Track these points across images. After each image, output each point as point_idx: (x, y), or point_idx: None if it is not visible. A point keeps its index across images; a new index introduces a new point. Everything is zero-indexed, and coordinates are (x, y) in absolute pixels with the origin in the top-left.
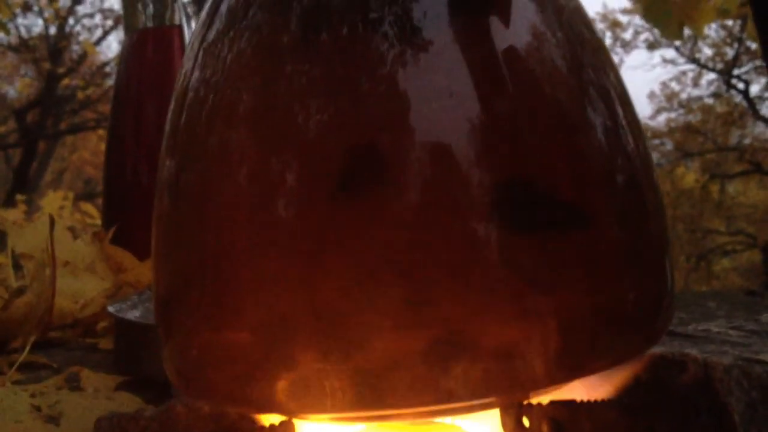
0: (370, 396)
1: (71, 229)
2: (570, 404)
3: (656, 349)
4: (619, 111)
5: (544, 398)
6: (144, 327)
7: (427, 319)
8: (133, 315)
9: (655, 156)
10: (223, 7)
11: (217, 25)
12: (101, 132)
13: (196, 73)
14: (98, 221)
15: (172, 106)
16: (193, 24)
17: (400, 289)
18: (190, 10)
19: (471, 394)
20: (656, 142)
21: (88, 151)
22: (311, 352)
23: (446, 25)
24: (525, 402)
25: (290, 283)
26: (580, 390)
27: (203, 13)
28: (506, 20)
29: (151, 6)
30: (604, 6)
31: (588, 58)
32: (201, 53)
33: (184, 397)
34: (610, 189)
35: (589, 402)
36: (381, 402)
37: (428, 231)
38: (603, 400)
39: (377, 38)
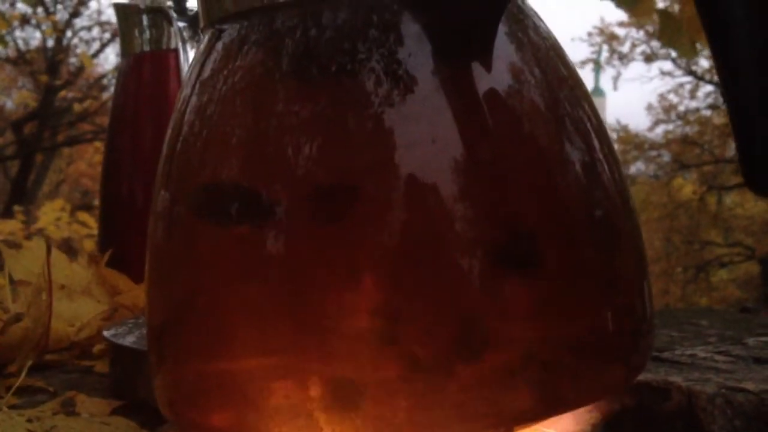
0: (358, 427)
1: (68, 239)
2: None
3: (641, 376)
4: (596, 144)
5: (527, 431)
6: (139, 353)
7: (409, 354)
8: (129, 340)
9: (652, 168)
10: (220, 44)
11: (213, 59)
12: (98, 144)
13: (192, 107)
14: (95, 231)
15: (168, 136)
16: (188, 47)
17: (384, 324)
18: (186, 34)
19: (454, 427)
20: (653, 153)
21: (85, 162)
22: (301, 384)
23: (430, 68)
24: None
25: (280, 316)
26: (568, 418)
27: (201, 46)
28: (488, 65)
29: (147, 31)
30: (602, 20)
31: (565, 94)
32: (197, 86)
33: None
34: (586, 221)
35: None
36: None
37: (410, 267)
38: None
39: (364, 80)
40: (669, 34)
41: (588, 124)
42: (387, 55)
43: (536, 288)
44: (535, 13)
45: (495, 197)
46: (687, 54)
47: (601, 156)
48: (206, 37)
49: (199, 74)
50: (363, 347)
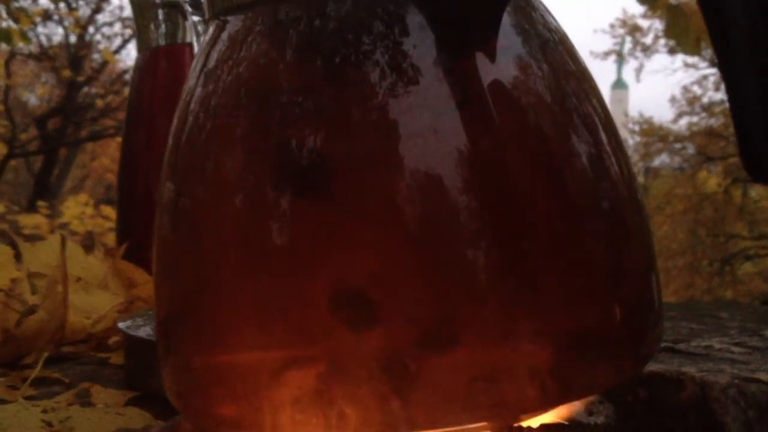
0: (366, 419)
1: (91, 233)
2: (559, 427)
3: (655, 367)
4: (603, 138)
5: (533, 421)
6: (153, 344)
7: (415, 345)
8: (144, 332)
9: (677, 160)
10: (225, 35)
11: (218, 49)
12: (120, 139)
13: (196, 98)
14: None
15: (173, 129)
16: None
17: (389, 313)
18: (200, 28)
19: (460, 417)
20: (678, 146)
21: (108, 157)
22: (308, 376)
23: (434, 59)
24: (515, 425)
25: (285, 307)
26: (578, 408)
27: (206, 37)
28: (492, 55)
29: (163, 26)
30: (624, 11)
31: (572, 89)
32: (202, 77)
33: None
34: (593, 214)
35: (579, 424)
36: (376, 425)
37: (416, 255)
38: (594, 424)
39: (368, 72)
40: (675, 29)
41: (595, 118)
42: (391, 46)
43: (542, 275)
44: (544, 5)
45: (497, 190)
46: (690, 51)
47: (608, 150)
48: (211, 28)
49: (204, 65)
50: (369, 338)
